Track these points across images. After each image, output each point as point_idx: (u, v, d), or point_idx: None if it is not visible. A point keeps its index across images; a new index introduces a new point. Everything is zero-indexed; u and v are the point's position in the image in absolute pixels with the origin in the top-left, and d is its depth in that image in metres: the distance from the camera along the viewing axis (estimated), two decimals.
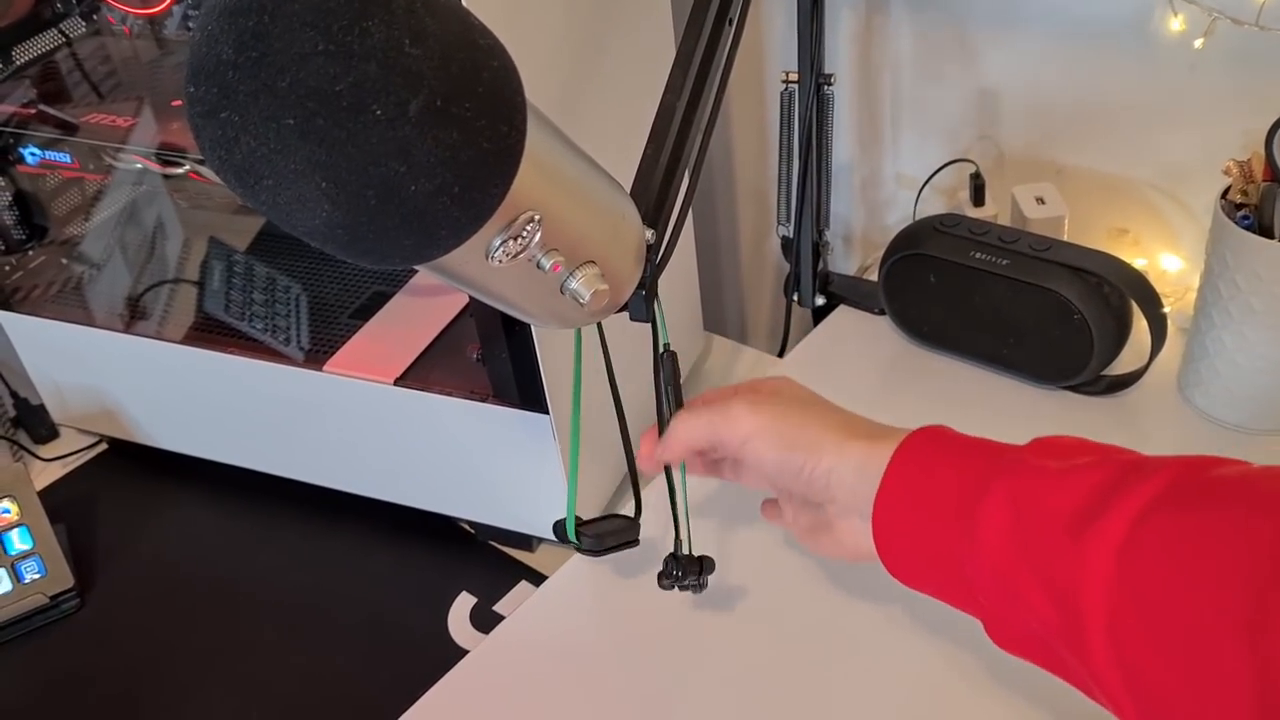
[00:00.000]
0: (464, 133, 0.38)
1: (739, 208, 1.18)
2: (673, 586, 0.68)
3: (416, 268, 0.45)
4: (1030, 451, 0.55)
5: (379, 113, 0.35)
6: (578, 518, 0.70)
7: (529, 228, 0.45)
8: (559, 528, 0.70)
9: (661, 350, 0.63)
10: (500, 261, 0.45)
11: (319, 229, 0.38)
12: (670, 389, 0.63)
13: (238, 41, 0.35)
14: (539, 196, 0.45)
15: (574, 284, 0.49)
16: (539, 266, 0.47)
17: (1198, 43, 0.80)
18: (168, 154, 0.86)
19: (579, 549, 0.71)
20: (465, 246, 0.43)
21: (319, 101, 0.35)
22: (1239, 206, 0.77)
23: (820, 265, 0.97)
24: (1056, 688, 0.52)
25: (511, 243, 0.44)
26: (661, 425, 0.64)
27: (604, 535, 0.71)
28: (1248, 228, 0.75)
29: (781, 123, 0.90)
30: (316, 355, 0.86)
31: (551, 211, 0.46)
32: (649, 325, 0.62)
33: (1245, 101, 0.81)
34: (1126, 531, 0.45)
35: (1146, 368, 0.83)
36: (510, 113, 0.40)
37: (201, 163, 0.85)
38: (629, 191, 0.61)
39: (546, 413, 0.76)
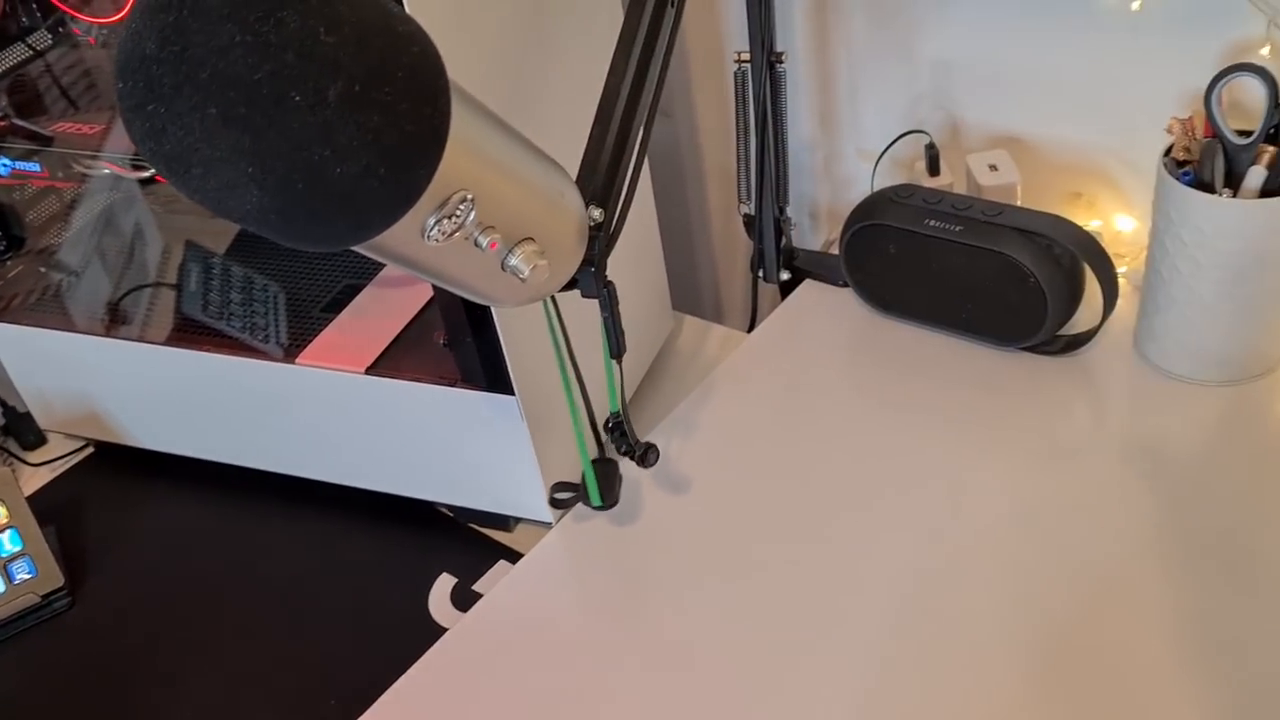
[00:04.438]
0: (385, 116, 0.40)
1: (707, 188, 1.20)
2: (621, 448, 0.75)
3: (356, 249, 0.47)
4: None
5: (299, 99, 0.37)
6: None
7: (462, 207, 0.46)
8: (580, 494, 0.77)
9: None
10: (437, 241, 0.47)
11: (251, 214, 0.40)
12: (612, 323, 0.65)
13: (160, 37, 0.37)
14: (470, 176, 0.46)
15: (513, 260, 0.51)
16: (476, 244, 0.49)
17: (1135, 5, 0.82)
18: (137, 159, 0.88)
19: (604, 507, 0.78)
20: (399, 227, 0.44)
21: (240, 90, 0.36)
22: (1182, 164, 0.79)
23: (784, 241, 0.99)
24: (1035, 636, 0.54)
25: (446, 222, 0.46)
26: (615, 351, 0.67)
27: (611, 481, 0.78)
28: (1190, 184, 0.76)
29: (737, 102, 0.92)
30: (290, 349, 0.88)
31: (484, 190, 0.47)
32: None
33: (1185, 61, 0.83)
34: None
35: (1101, 325, 0.85)
36: (432, 95, 0.42)
37: None
38: (577, 172, 0.63)
39: (513, 394, 0.78)
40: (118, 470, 1.03)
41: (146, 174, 0.89)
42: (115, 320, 0.99)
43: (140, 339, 0.95)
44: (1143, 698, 0.64)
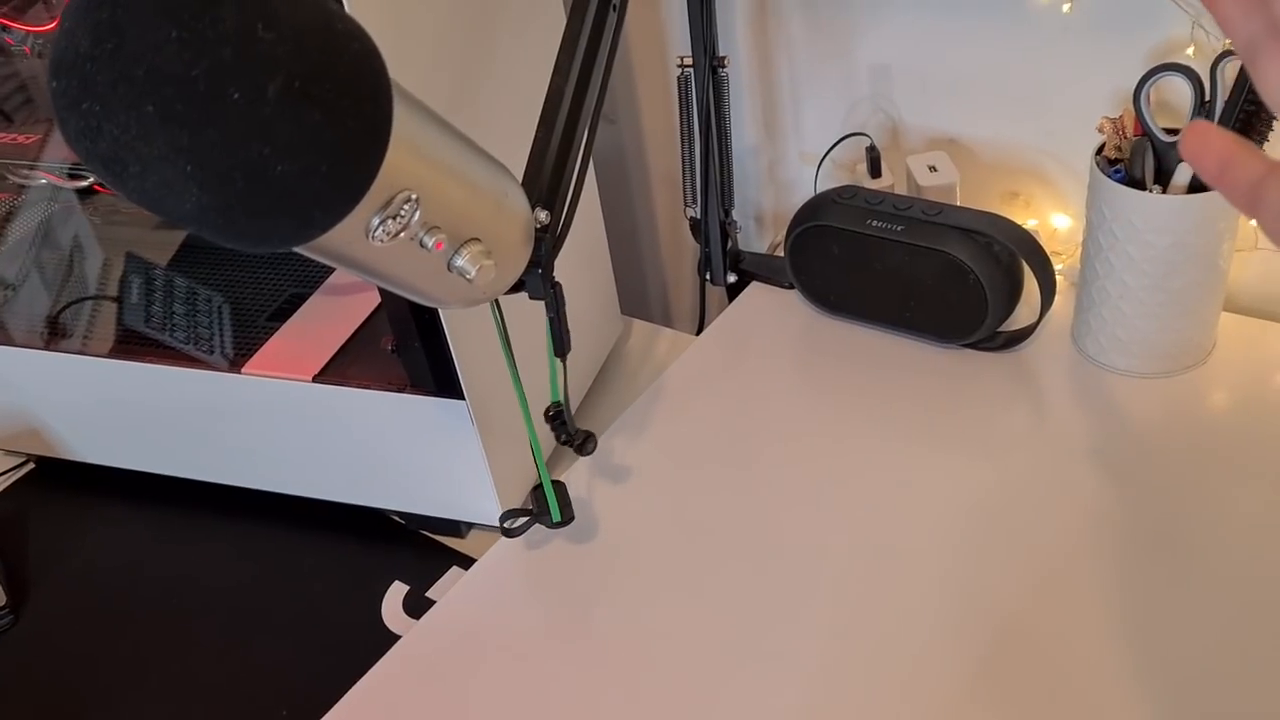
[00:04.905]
0: (326, 113, 0.40)
1: (653, 194, 1.21)
2: (560, 438, 0.75)
3: (301, 252, 0.47)
4: None
5: (237, 96, 0.37)
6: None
7: (406, 206, 0.46)
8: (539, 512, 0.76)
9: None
10: (382, 241, 0.47)
11: (191, 213, 0.40)
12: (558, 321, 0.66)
13: (93, 35, 0.36)
14: (414, 175, 0.46)
15: (459, 261, 0.51)
16: (422, 245, 0.49)
17: (1066, 7, 0.84)
18: (75, 168, 0.87)
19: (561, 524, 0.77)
20: (343, 226, 0.44)
21: (176, 87, 0.36)
22: (1114, 162, 0.81)
23: (730, 244, 1.00)
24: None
25: (391, 222, 0.46)
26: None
27: (565, 499, 0.77)
28: (1121, 181, 0.78)
29: (681, 107, 0.93)
30: (236, 359, 0.87)
31: (429, 190, 0.47)
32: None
33: (1114, 62, 0.85)
34: None
35: (1039, 321, 0.87)
36: (374, 93, 0.42)
37: None
38: (523, 175, 0.63)
39: (463, 398, 0.78)
40: (60, 485, 1.01)
41: (85, 184, 0.88)
42: (55, 334, 0.98)
43: (81, 352, 0.93)
44: (1085, 684, 0.65)
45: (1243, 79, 0.72)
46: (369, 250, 0.47)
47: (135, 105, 0.36)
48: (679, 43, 1.07)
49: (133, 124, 0.37)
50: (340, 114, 0.41)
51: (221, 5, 0.37)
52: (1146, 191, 0.77)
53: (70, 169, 0.88)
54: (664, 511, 0.81)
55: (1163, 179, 0.78)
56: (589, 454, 0.77)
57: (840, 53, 0.98)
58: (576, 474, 0.86)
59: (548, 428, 0.75)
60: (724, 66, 0.90)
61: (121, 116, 0.37)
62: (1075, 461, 0.78)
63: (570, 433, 0.75)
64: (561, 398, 0.73)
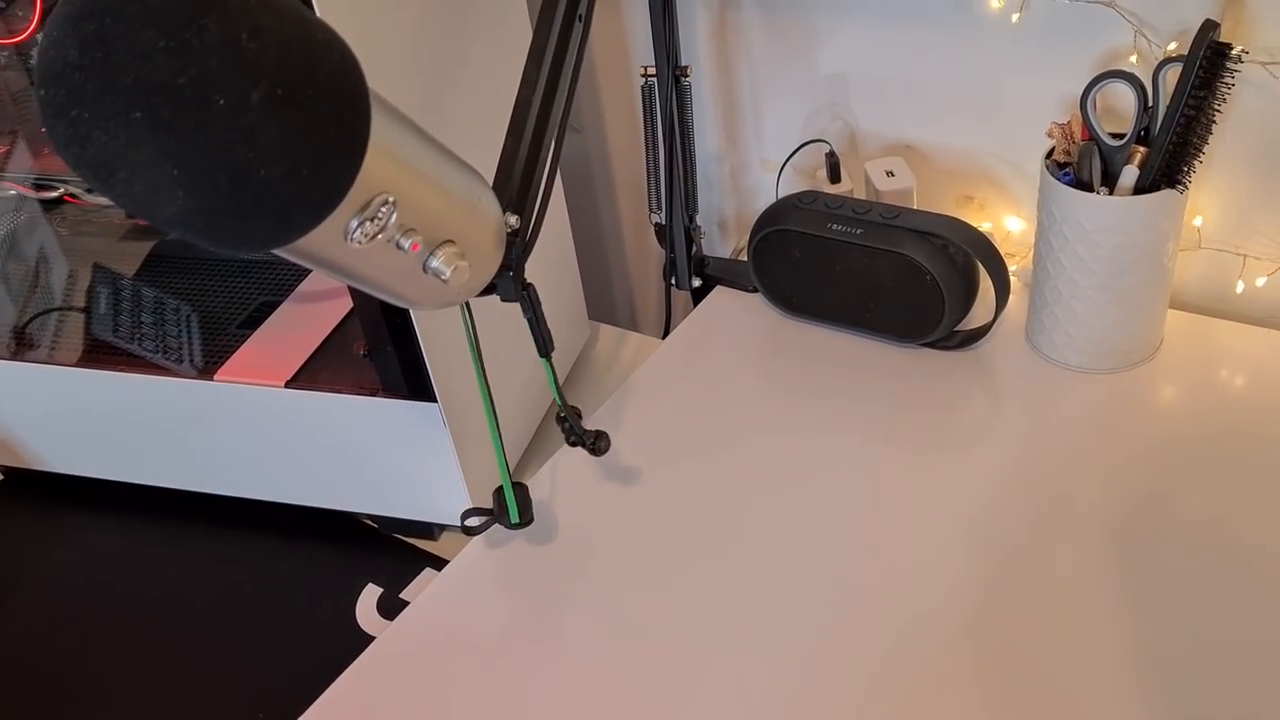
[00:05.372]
0: (308, 119, 0.41)
1: (619, 201, 1.23)
2: (570, 439, 0.76)
3: (280, 254, 0.48)
4: None
5: (222, 103, 0.39)
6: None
7: (384, 209, 0.48)
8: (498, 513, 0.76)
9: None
10: (360, 243, 0.48)
11: (177, 216, 0.41)
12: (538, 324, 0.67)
13: (81, 45, 0.38)
14: (391, 179, 0.48)
15: (435, 263, 0.53)
16: (398, 246, 0.51)
17: (1015, 17, 0.87)
18: (42, 179, 0.87)
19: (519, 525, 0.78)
20: (323, 229, 0.46)
21: (164, 95, 0.38)
22: (1063, 166, 0.84)
23: (694, 250, 1.02)
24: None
25: (369, 224, 0.48)
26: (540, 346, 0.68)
27: (525, 502, 0.78)
28: (1070, 184, 0.81)
29: (645, 116, 0.95)
30: (207, 367, 0.88)
31: (405, 193, 0.49)
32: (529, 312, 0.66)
33: (1062, 69, 0.88)
34: None
35: (994, 321, 0.89)
36: (353, 99, 0.44)
37: (76, 183, 0.86)
38: (493, 180, 0.65)
39: (435, 401, 0.79)
40: (31, 496, 1.01)
41: (53, 195, 0.88)
42: (22, 344, 0.98)
43: (50, 362, 0.94)
44: (1046, 667, 0.67)
45: (1183, 85, 0.75)
46: (347, 252, 0.49)
47: (123, 112, 0.38)
48: (643, 53, 1.09)
49: (121, 130, 0.38)
50: (321, 120, 0.42)
51: (207, 16, 0.38)
52: (1094, 194, 0.80)
53: (36, 179, 0.88)
54: (633, 511, 0.83)
55: (1109, 181, 0.82)
56: (603, 453, 0.78)
57: (800, 62, 1.01)
58: (547, 475, 0.87)
59: (521, 429, 0.77)
60: (686, 76, 0.93)
61: (110, 123, 0.38)
62: (1031, 455, 0.81)
63: (579, 434, 0.76)
64: (561, 400, 0.74)
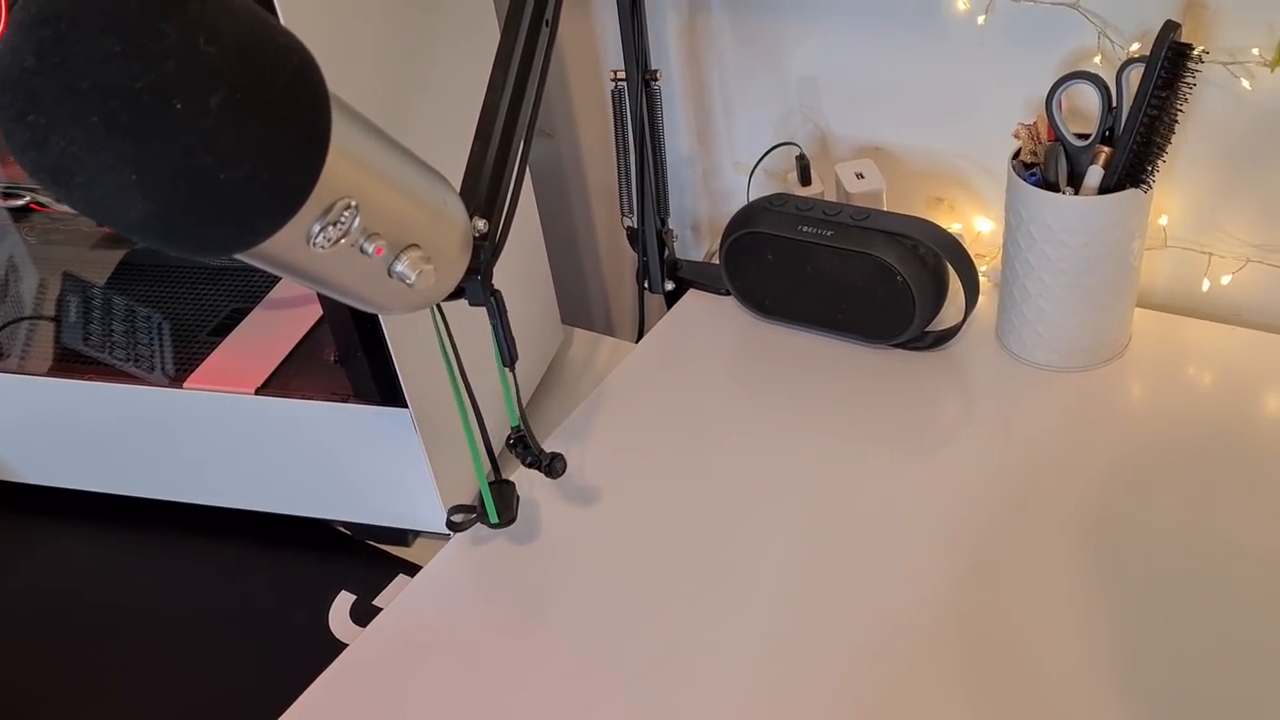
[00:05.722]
0: (267, 123, 0.41)
1: (592, 205, 1.23)
2: (525, 460, 0.76)
3: (244, 259, 0.48)
4: None
5: (180, 107, 0.38)
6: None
7: (346, 213, 0.48)
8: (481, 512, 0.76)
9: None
10: (323, 247, 0.48)
11: (136, 222, 0.41)
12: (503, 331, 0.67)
13: (38, 50, 0.37)
14: (354, 183, 0.48)
15: (399, 267, 0.53)
16: (362, 251, 0.51)
17: (980, 20, 0.88)
18: (9, 187, 0.87)
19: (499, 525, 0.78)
20: (285, 233, 0.46)
21: (122, 99, 0.38)
22: (1029, 166, 0.85)
23: (667, 253, 1.02)
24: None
25: (331, 228, 0.48)
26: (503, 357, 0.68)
27: (508, 500, 0.78)
28: (1036, 184, 0.82)
29: (615, 120, 0.95)
30: (178, 375, 0.88)
31: (368, 197, 0.49)
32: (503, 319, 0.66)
33: (1028, 71, 0.89)
34: None
35: (965, 321, 0.90)
36: (313, 103, 0.44)
37: (43, 191, 0.86)
38: (460, 184, 0.65)
39: (406, 406, 0.79)
40: (1, 507, 1.00)
41: (20, 203, 0.88)
42: None
43: (19, 371, 0.93)
44: (1018, 669, 0.68)
45: (1145, 85, 0.76)
46: (310, 256, 0.49)
47: (81, 117, 0.38)
48: (613, 57, 1.10)
49: (79, 135, 0.38)
50: (280, 124, 0.42)
51: (165, 21, 0.38)
52: (1060, 194, 0.81)
53: (4, 188, 0.88)
54: (608, 514, 0.83)
55: (1075, 181, 0.82)
56: (559, 475, 0.77)
57: (770, 65, 1.01)
58: (521, 478, 0.87)
59: (494, 433, 0.77)
60: (656, 80, 0.93)
61: (68, 128, 0.38)
62: (1002, 453, 0.82)
63: (536, 454, 0.76)
64: (520, 419, 0.74)
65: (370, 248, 0.51)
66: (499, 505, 0.78)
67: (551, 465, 0.77)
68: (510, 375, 0.71)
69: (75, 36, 0.37)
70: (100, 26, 0.38)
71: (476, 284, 0.64)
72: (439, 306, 0.67)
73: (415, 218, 0.54)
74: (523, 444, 0.76)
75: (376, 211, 0.50)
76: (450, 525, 0.78)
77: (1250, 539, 0.72)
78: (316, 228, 0.47)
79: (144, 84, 0.38)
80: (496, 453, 0.80)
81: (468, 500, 0.87)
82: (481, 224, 0.64)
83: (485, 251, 0.64)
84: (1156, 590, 0.70)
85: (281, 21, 0.66)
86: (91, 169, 0.39)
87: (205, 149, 0.40)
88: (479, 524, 0.79)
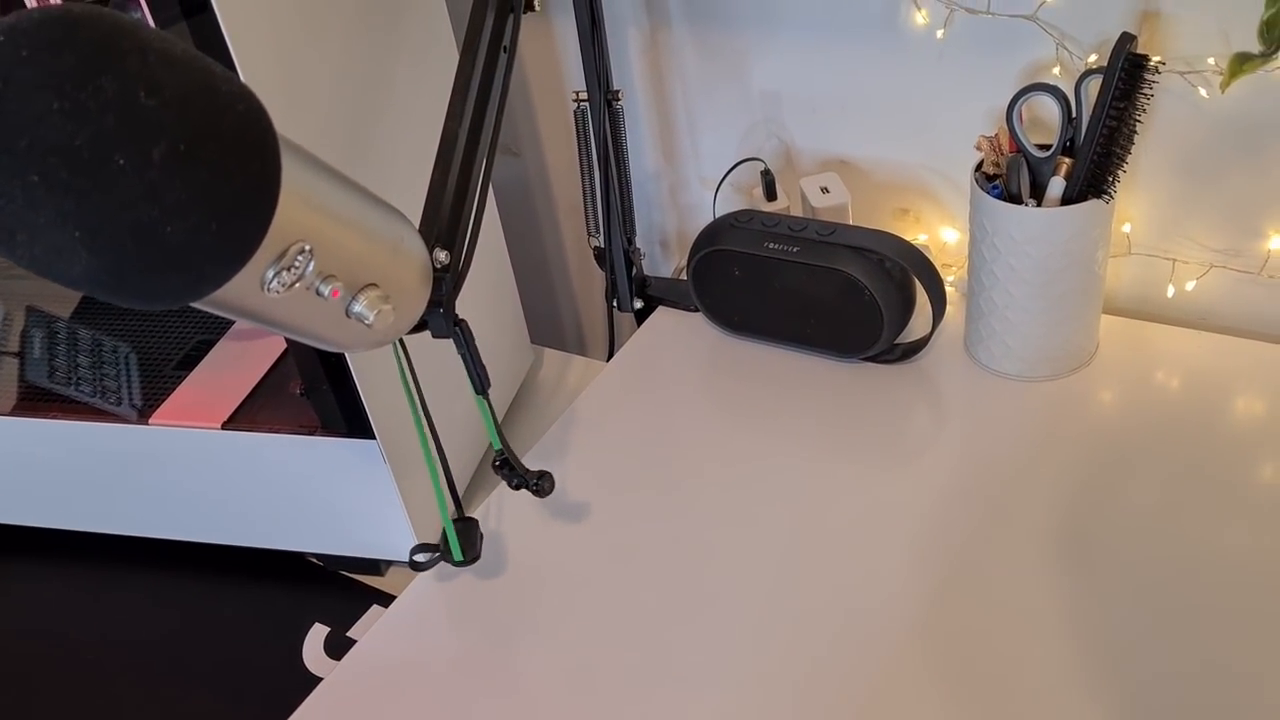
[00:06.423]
0: (213, 173, 0.41)
1: (560, 224, 1.22)
2: (513, 483, 0.74)
3: (198, 305, 0.47)
4: None
5: (122, 162, 0.38)
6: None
7: (300, 257, 0.47)
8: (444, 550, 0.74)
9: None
10: (277, 292, 0.47)
11: (81, 276, 0.40)
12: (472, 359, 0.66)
13: None
14: (307, 226, 0.47)
15: (357, 307, 0.53)
16: (318, 294, 0.50)
17: (939, 33, 0.88)
18: None
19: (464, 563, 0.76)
20: (238, 280, 0.45)
21: (60, 157, 0.37)
22: (992, 178, 0.85)
23: (635, 271, 1.02)
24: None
25: (285, 273, 0.47)
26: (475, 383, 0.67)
27: (472, 537, 0.76)
28: (999, 196, 0.82)
29: (579, 140, 0.95)
30: (144, 410, 0.87)
31: (322, 240, 0.48)
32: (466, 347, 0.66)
33: (988, 82, 0.90)
34: None
35: (933, 333, 0.90)
36: (260, 151, 0.43)
37: None
38: (420, 215, 0.64)
39: (373, 438, 0.78)
40: None
41: None
42: None
43: None
44: (992, 677, 0.68)
45: (1103, 96, 0.76)
46: (266, 301, 0.48)
47: (19, 175, 0.37)
48: (575, 77, 1.09)
49: (18, 193, 0.37)
50: (227, 173, 0.41)
51: (102, 75, 0.37)
52: (1023, 206, 0.81)
53: None
54: (581, 536, 0.83)
55: (1037, 193, 0.83)
56: (547, 494, 0.76)
57: (732, 80, 1.01)
58: (492, 507, 0.87)
59: (464, 462, 0.76)
60: (618, 100, 0.93)
61: (6, 187, 0.37)
62: (975, 463, 0.82)
63: (522, 476, 0.75)
64: (501, 443, 0.73)
65: (326, 290, 0.50)
66: (463, 543, 0.77)
67: (540, 485, 0.75)
68: (487, 401, 0.70)
69: (10, 94, 0.37)
70: (36, 83, 0.37)
71: (439, 316, 0.63)
72: (401, 342, 0.66)
73: (372, 256, 0.53)
74: (508, 467, 0.75)
75: (331, 253, 0.49)
76: (414, 565, 0.77)
77: (1221, 541, 0.73)
78: (270, 273, 0.46)
79: (83, 140, 0.37)
80: (464, 489, 0.79)
81: (438, 528, 0.86)
82: (443, 255, 0.63)
83: (447, 284, 0.63)
84: (1129, 595, 0.71)
85: (235, 59, 0.65)
86: (33, 226, 0.38)
87: (149, 202, 0.39)
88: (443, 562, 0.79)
